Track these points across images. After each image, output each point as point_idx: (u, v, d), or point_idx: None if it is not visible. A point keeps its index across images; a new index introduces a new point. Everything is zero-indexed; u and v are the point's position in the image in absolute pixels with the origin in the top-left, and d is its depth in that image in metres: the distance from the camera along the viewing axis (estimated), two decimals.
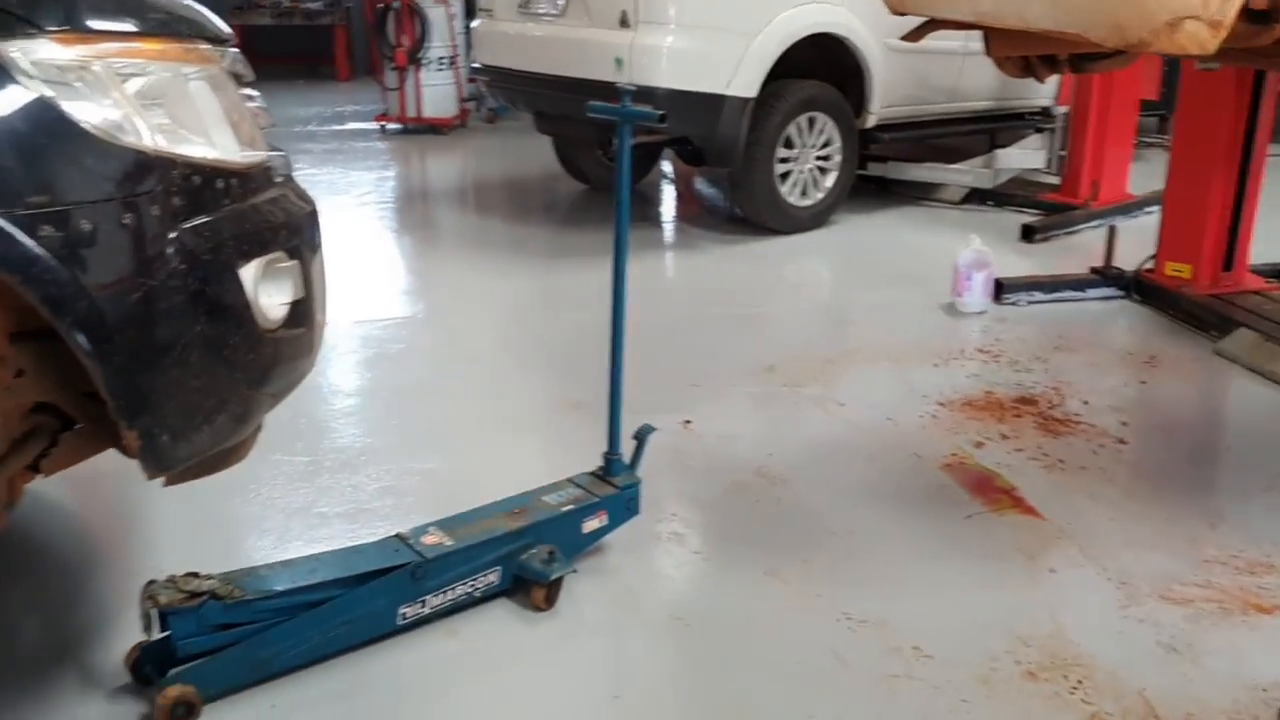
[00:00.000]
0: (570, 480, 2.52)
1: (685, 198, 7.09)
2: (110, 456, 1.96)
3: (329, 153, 8.10)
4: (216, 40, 1.88)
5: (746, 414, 3.41)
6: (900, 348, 4.01)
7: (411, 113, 8.87)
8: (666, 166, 7.58)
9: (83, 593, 2.38)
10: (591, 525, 2.42)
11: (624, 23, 5.11)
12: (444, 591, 2.20)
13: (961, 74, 6.29)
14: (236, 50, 1.98)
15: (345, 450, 3.10)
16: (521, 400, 3.53)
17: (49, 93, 1.53)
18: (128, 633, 2.12)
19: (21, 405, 1.86)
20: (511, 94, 6.05)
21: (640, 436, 2.51)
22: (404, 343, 4.10)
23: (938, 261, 4.82)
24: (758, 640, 2.23)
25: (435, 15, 8.66)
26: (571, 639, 2.23)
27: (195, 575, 2.00)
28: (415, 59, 8.67)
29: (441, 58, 8.82)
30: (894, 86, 5.99)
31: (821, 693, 2.07)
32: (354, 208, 6.36)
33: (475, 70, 6.38)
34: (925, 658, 2.17)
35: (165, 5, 1.83)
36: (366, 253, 5.42)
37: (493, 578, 2.27)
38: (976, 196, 6.52)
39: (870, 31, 5.70)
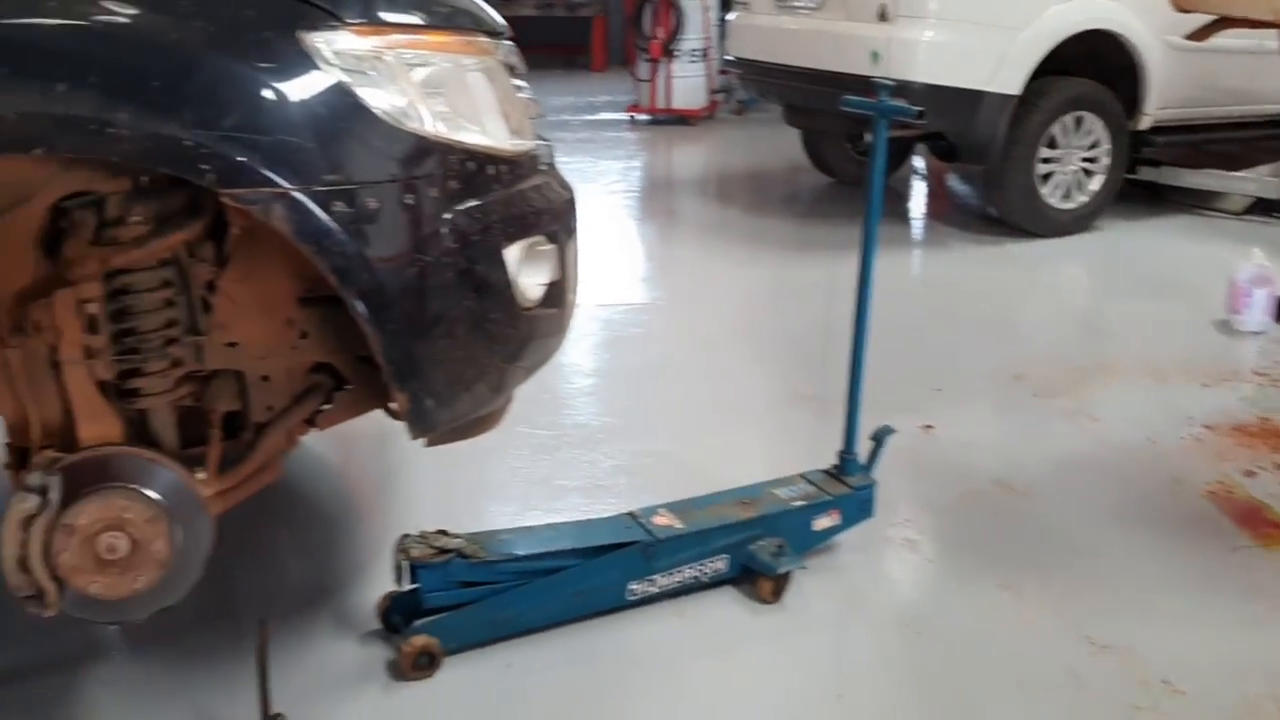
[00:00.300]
0: (802, 476, 2.51)
1: (936, 195, 6.89)
2: (370, 418, 2.12)
3: (580, 141, 8.36)
4: (493, 33, 1.98)
5: (991, 422, 3.29)
6: (1164, 364, 3.75)
7: (662, 104, 9.02)
8: (918, 162, 7.39)
9: (340, 541, 2.58)
10: (823, 523, 2.41)
11: (882, 16, 5.02)
12: (673, 572, 2.24)
13: (1253, 75, 5.79)
14: (511, 42, 2.08)
15: (584, 427, 3.20)
16: (755, 390, 3.54)
17: (346, 80, 1.66)
18: (379, 581, 2.29)
19: (303, 364, 2.04)
20: (763, 86, 6.06)
21: (878, 437, 2.47)
22: (642, 327, 4.19)
23: (1212, 275, 4.47)
24: (989, 654, 2.15)
25: (691, 7, 8.78)
26: (797, 633, 2.22)
27: (444, 533, 2.13)
28: (669, 51, 8.81)
29: (694, 50, 8.93)
30: (1173, 87, 5.60)
31: (1055, 716, 1.98)
32: (601, 195, 6.54)
33: (728, 62, 6.43)
34: (1175, 693, 2.03)
35: (450, 0, 1.95)
36: (611, 240, 5.56)
37: (720, 564, 2.30)
38: (1261, 207, 6.00)
39: (1148, 28, 5.35)
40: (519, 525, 2.37)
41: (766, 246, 5.39)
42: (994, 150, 5.20)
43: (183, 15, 1.58)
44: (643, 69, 9.03)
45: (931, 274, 5.08)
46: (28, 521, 1.68)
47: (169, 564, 1.73)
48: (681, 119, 9.09)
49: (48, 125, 1.49)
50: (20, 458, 1.98)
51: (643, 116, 9.22)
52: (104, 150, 1.52)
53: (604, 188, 6.76)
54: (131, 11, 1.56)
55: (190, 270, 1.89)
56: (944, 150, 5.71)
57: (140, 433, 1.87)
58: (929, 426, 3.20)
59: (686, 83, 8.99)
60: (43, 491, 1.68)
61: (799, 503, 2.39)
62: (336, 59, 1.66)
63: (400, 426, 1.91)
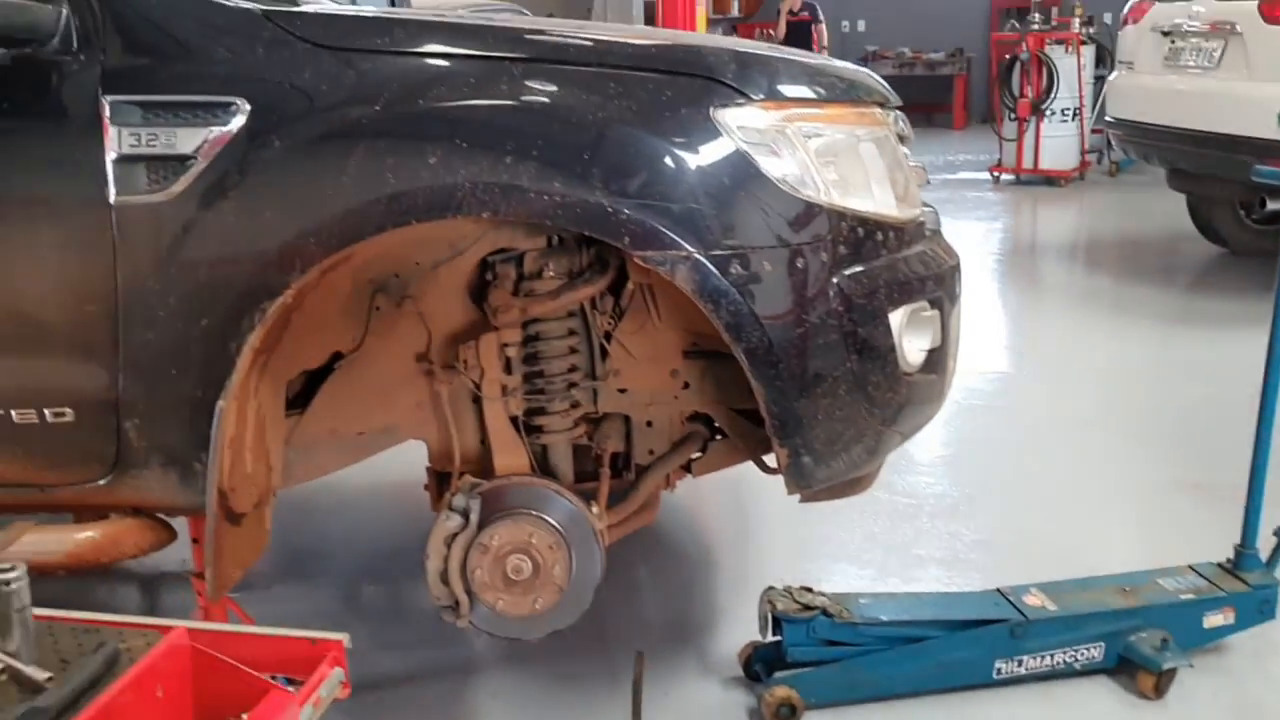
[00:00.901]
0: (1191, 567, 2.34)
1: None
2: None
3: (939, 201, 8.07)
4: (885, 104, 2.04)
5: None
6: None
7: (1028, 164, 8.71)
8: None
9: (701, 585, 2.69)
10: (1214, 621, 2.22)
11: None
12: (1043, 655, 2.15)
13: None
14: (900, 112, 2.12)
15: (944, 497, 3.14)
16: (1131, 472, 3.32)
17: (749, 151, 1.77)
18: (738, 628, 2.36)
19: (683, 413, 2.17)
20: (1146, 149, 5.71)
21: None
22: (1007, 398, 4.05)
23: None
24: None
25: (1064, 66, 8.44)
26: None
27: (809, 590, 2.16)
28: (1039, 109, 8.51)
29: (1065, 109, 8.57)
30: None
31: None
32: (962, 258, 6.37)
33: (1108, 123, 6.10)
34: None
35: (845, 73, 2.03)
36: (971, 304, 5.40)
37: (1095, 652, 2.18)
38: None
39: None
40: (877, 590, 2.37)
41: (1143, 319, 5.04)
42: None
43: (610, 96, 1.76)
44: (1009, 128, 8.77)
45: None
46: (450, 539, 1.90)
47: (565, 589, 1.90)
48: (1049, 180, 8.72)
49: (495, 192, 1.70)
50: (437, 481, 2.24)
51: (1007, 176, 8.94)
52: (541, 214, 1.71)
53: (965, 250, 6.58)
54: (567, 93, 1.76)
55: (592, 321, 2.07)
56: None
57: (541, 466, 2.07)
58: None
59: (1056, 143, 8.63)
60: (465, 513, 1.90)
61: (1187, 596, 2.22)
62: (742, 133, 1.77)
63: (757, 479, 1.97)
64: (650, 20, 7.96)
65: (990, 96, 10.63)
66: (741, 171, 1.76)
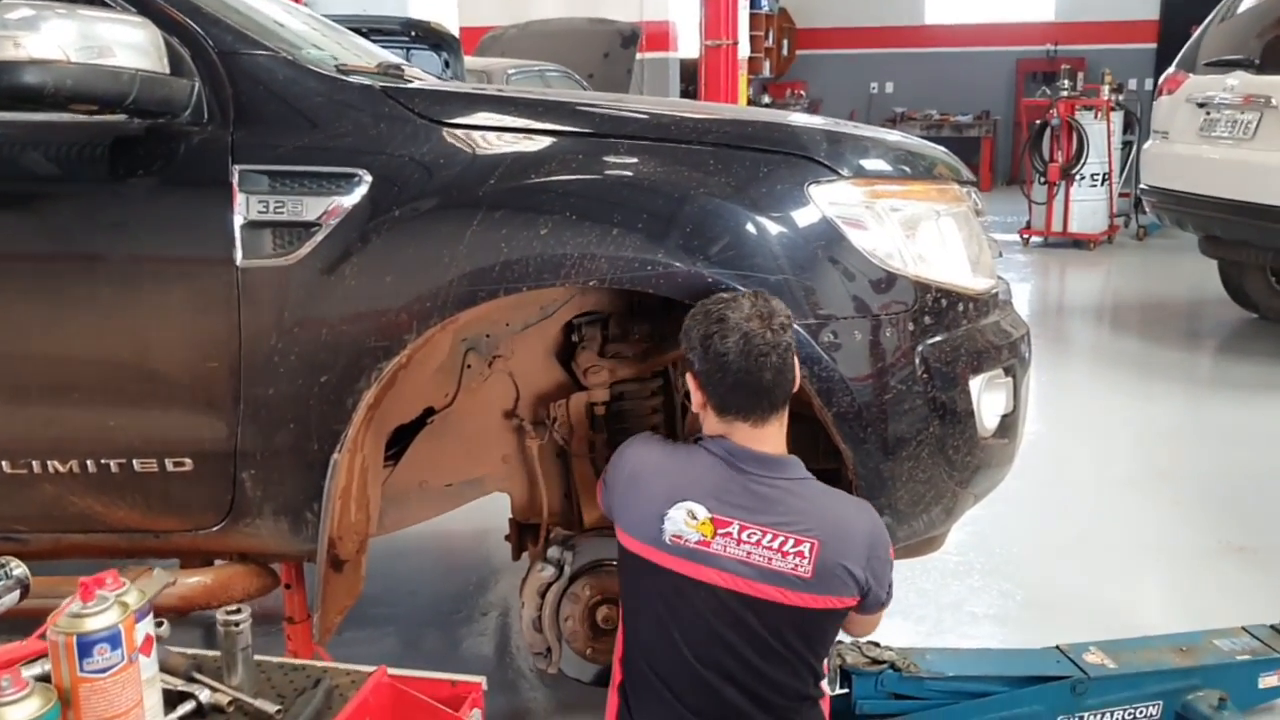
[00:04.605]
0: (1245, 629, 2.40)
1: None
2: None
3: None
4: (963, 182, 2.15)
5: None
6: None
7: (1058, 227, 8.81)
8: None
9: None
10: (1270, 681, 2.29)
11: None
12: (1102, 713, 2.21)
13: None
14: (976, 188, 2.23)
15: (993, 555, 3.21)
16: (1176, 534, 3.38)
17: (840, 225, 1.87)
18: None
19: None
20: (1180, 215, 5.81)
21: None
22: (1044, 457, 4.08)
23: None
24: None
25: (1094, 132, 8.57)
26: None
27: (877, 645, 2.24)
28: (1069, 174, 8.63)
29: (1095, 174, 8.68)
30: None
31: None
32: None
33: (1142, 190, 6.21)
34: None
35: (926, 152, 2.14)
36: None
37: (1153, 710, 2.24)
38: None
39: None
40: (932, 646, 2.42)
41: (1170, 381, 5.11)
42: None
43: (711, 172, 1.86)
44: (1039, 192, 8.88)
45: None
46: (545, 588, 1.99)
47: None
48: (1078, 243, 8.82)
49: (602, 263, 1.80)
50: (519, 532, 2.33)
51: (1036, 239, 9.04)
52: (645, 284, 1.81)
53: None
54: (670, 169, 1.86)
55: (674, 381, 2.17)
56: None
57: None
58: None
59: (1085, 207, 8.74)
60: (559, 564, 1.99)
61: (1244, 657, 2.29)
62: (833, 208, 1.87)
63: None
64: (689, 80, 8.14)
65: (1015, 159, 10.75)
66: (833, 244, 1.87)
